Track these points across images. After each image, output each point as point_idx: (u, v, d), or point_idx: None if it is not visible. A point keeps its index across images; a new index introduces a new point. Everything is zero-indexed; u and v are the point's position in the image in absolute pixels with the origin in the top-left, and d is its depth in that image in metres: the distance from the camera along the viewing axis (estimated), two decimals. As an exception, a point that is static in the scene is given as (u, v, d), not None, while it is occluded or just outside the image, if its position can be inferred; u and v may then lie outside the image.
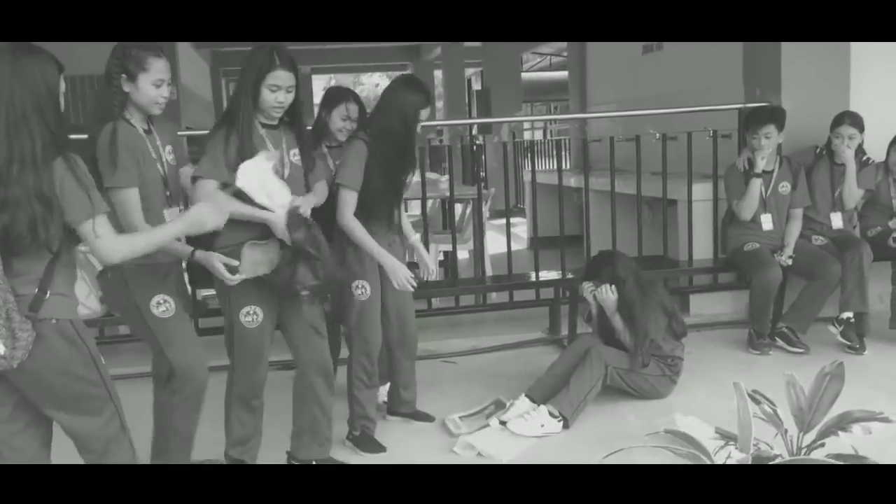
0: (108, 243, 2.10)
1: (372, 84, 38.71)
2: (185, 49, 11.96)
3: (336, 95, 3.51)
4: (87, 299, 3.99)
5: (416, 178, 3.72)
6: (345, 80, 35.31)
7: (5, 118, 2.02)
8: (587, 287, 3.77)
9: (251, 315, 2.82)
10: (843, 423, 1.62)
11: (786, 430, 1.63)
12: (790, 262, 4.33)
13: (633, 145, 4.96)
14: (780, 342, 4.34)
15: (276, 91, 2.71)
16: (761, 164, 4.36)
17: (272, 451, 3.11)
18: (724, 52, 5.49)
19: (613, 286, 3.67)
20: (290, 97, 2.77)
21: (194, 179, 2.73)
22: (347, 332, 3.36)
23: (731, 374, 3.91)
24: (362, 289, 3.21)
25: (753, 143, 4.38)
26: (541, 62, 18.06)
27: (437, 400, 3.76)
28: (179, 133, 3.16)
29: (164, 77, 2.59)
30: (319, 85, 23.15)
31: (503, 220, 7.28)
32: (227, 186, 2.67)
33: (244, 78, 2.73)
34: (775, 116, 4.37)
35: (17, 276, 2.05)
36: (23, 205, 2.00)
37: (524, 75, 13.75)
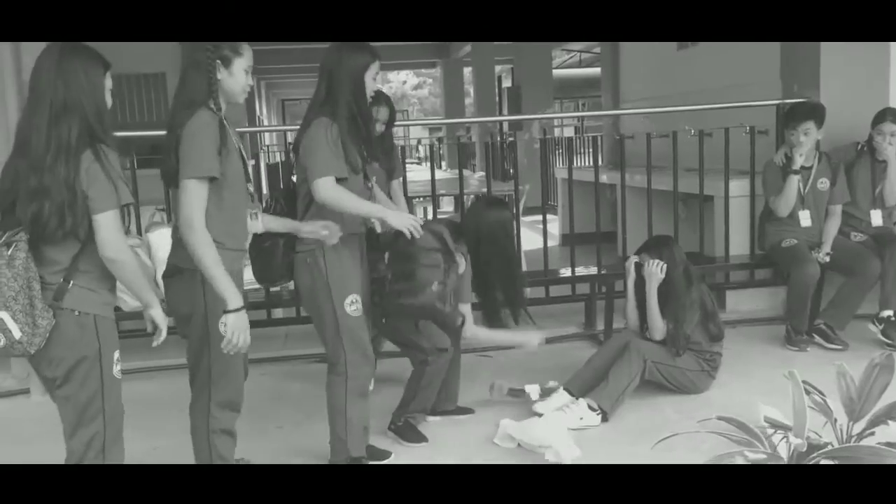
0: (116, 237, 2.16)
1: (400, 81, 38.82)
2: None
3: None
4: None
5: (447, 174, 3.83)
6: (373, 77, 35.49)
7: (48, 111, 2.13)
8: (634, 258, 3.79)
9: (354, 304, 2.87)
10: (893, 412, 1.64)
11: (835, 420, 1.65)
12: (828, 258, 4.31)
13: (666, 142, 4.96)
14: (817, 339, 4.33)
15: (374, 80, 2.81)
16: (799, 161, 4.34)
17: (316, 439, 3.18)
18: (760, 48, 5.46)
19: (664, 265, 3.67)
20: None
21: (306, 182, 2.72)
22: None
23: (769, 371, 3.93)
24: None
25: (792, 139, 4.37)
26: (571, 58, 18.00)
27: (473, 393, 3.81)
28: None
29: (251, 64, 2.58)
30: (349, 83, 23.42)
31: (533, 217, 7.35)
32: (341, 181, 2.71)
33: (342, 74, 2.71)
34: (815, 113, 4.36)
35: (46, 265, 2.14)
36: (52, 192, 2.09)
37: (555, 72, 13.72)
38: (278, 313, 4.70)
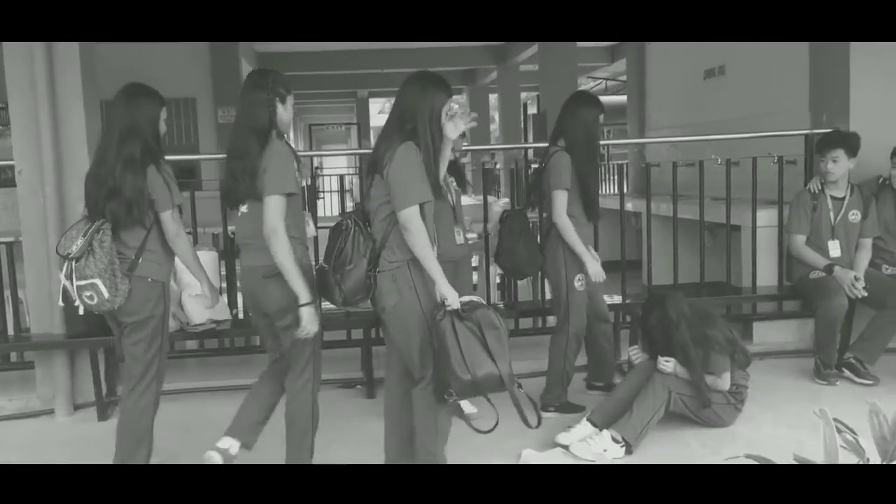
0: (173, 226, 3.04)
1: (426, 107, 39.12)
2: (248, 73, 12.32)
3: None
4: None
5: (471, 199, 3.88)
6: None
7: (118, 135, 2.96)
8: (632, 352, 3.79)
9: (580, 280, 3.83)
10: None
11: (868, 460, 1.60)
12: (866, 293, 4.21)
13: (692, 170, 4.93)
14: (847, 373, 4.25)
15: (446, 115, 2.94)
16: (814, 187, 4.32)
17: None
18: (788, 76, 5.44)
19: (668, 360, 3.58)
20: None
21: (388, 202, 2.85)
22: (562, 317, 3.89)
23: (797, 404, 3.86)
24: (581, 281, 3.83)
25: (821, 166, 4.32)
26: (596, 86, 18.03)
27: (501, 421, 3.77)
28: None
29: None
30: (376, 108, 23.48)
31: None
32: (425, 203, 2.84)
33: (425, 108, 2.84)
34: (846, 141, 4.31)
35: (123, 245, 2.99)
36: (123, 193, 2.92)
37: (580, 99, 13.73)
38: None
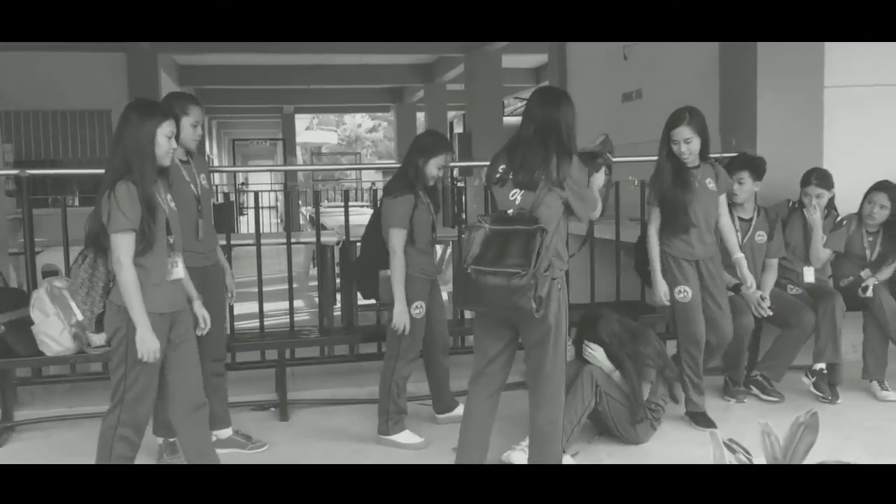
0: (117, 255, 2.82)
1: (354, 125, 39.00)
2: (168, 86, 12.02)
3: (436, 147, 3.77)
4: (60, 335, 3.98)
5: None
6: (328, 119, 35.63)
7: (122, 156, 2.82)
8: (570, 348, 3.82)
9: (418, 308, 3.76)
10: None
11: (761, 480, 1.63)
12: (771, 312, 4.33)
13: (613, 192, 5.01)
14: (754, 390, 4.37)
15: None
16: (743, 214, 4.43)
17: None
18: (700, 102, 5.59)
19: (594, 349, 3.70)
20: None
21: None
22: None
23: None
24: (684, 292, 3.87)
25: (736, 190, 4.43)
26: (521, 106, 18.29)
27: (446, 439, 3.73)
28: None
29: (199, 120, 3.44)
30: (302, 124, 23.24)
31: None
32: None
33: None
34: (752, 164, 4.44)
35: (109, 272, 2.89)
36: (97, 214, 2.83)
37: (506, 119, 13.93)
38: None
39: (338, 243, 5.52)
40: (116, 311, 2.87)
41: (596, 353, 3.69)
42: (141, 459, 3.28)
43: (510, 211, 2.95)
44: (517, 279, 2.77)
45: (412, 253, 3.68)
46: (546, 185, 2.94)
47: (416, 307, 3.70)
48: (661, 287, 3.92)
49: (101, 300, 2.92)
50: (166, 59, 11.84)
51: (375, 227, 3.81)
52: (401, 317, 3.63)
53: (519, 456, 3.42)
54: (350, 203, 5.16)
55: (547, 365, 3.01)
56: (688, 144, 3.86)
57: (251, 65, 13.40)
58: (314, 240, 5.40)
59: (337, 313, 5.56)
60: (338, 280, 6.01)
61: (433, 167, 3.73)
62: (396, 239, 3.62)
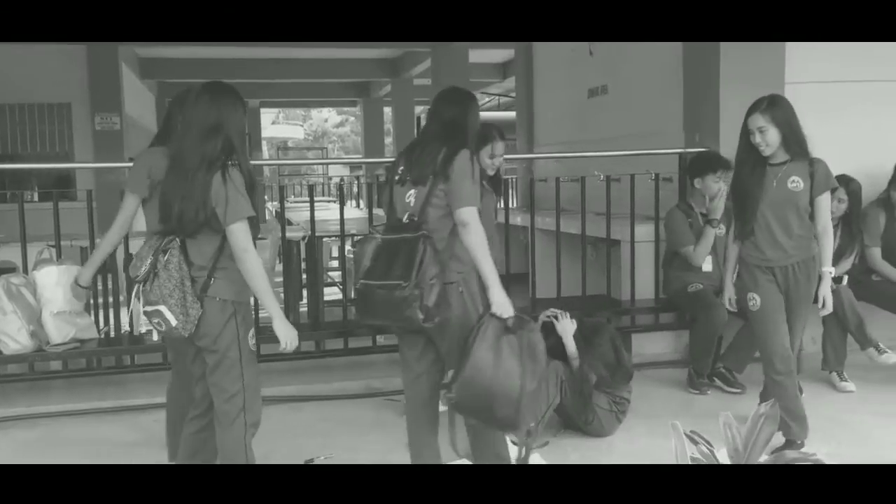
0: (247, 243, 2.65)
1: (321, 119, 38.76)
2: (130, 79, 11.82)
3: (483, 135, 3.76)
4: (17, 333, 3.89)
5: (363, 213, 3.84)
6: (294, 114, 35.34)
7: (199, 133, 2.65)
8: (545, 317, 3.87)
9: None
10: (778, 463, 1.66)
11: (723, 471, 1.66)
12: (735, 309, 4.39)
13: (578, 185, 5.05)
14: (718, 382, 4.43)
15: None
16: (720, 210, 4.46)
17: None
18: (667, 98, 5.66)
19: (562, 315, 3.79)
20: None
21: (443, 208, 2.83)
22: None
23: (671, 414, 3.95)
24: (753, 300, 3.56)
25: (714, 186, 4.46)
26: (489, 102, 18.34)
27: (381, 440, 3.72)
28: (122, 164, 3.18)
29: None
30: (268, 119, 23.02)
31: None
32: None
33: (471, 123, 2.96)
34: (727, 163, 4.50)
35: (195, 265, 2.65)
36: (195, 194, 2.61)
37: (473, 114, 13.93)
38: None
39: (303, 238, 5.47)
40: (222, 308, 2.67)
41: (568, 328, 3.72)
42: (150, 458, 3.23)
43: (405, 218, 2.86)
44: (399, 291, 2.69)
45: None
46: (433, 180, 2.82)
47: None
48: (726, 292, 3.81)
49: (196, 299, 2.62)
50: (128, 51, 11.64)
51: None
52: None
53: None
54: (316, 198, 5.12)
55: None
56: (763, 134, 3.43)
57: (215, 58, 13.23)
58: (280, 235, 5.35)
59: (303, 309, 5.52)
60: (304, 276, 5.96)
61: (484, 157, 3.82)
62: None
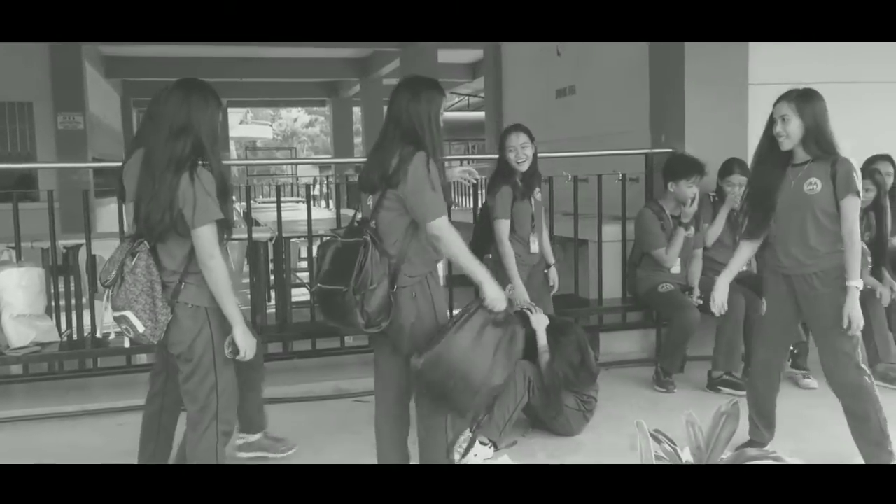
0: (213, 249, 2.57)
1: (291, 119, 38.48)
2: (94, 77, 11.64)
3: (503, 136, 3.98)
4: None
5: (331, 213, 3.82)
6: (263, 113, 35.05)
7: (168, 132, 2.55)
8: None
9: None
10: (739, 461, 1.68)
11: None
12: (701, 301, 4.43)
13: (546, 186, 5.07)
14: (726, 390, 4.33)
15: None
16: (691, 213, 4.50)
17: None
18: (633, 98, 5.71)
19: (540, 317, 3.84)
20: None
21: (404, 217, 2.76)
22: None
23: (637, 413, 4.00)
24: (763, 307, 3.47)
25: (688, 191, 4.49)
26: (459, 101, 18.36)
27: (348, 440, 3.71)
28: (85, 164, 3.12)
29: None
30: (236, 118, 22.79)
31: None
32: None
33: (423, 113, 2.77)
34: (703, 168, 4.55)
35: (165, 269, 2.58)
36: (161, 195, 2.53)
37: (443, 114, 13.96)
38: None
39: (270, 239, 5.42)
40: (194, 314, 2.60)
41: (542, 321, 3.77)
42: (114, 463, 3.16)
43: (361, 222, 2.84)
44: (339, 297, 2.67)
45: (512, 241, 3.95)
46: (381, 185, 2.75)
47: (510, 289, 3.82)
48: (717, 294, 3.42)
49: (166, 305, 2.55)
50: (91, 49, 11.46)
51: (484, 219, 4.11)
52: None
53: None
54: (285, 198, 5.08)
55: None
56: (785, 124, 3.14)
57: (181, 56, 13.07)
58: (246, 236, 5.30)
59: (271, 311, 5.48)
60: (272, 277, 5.91)
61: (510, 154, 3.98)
62: (502, 229, 3.91)
